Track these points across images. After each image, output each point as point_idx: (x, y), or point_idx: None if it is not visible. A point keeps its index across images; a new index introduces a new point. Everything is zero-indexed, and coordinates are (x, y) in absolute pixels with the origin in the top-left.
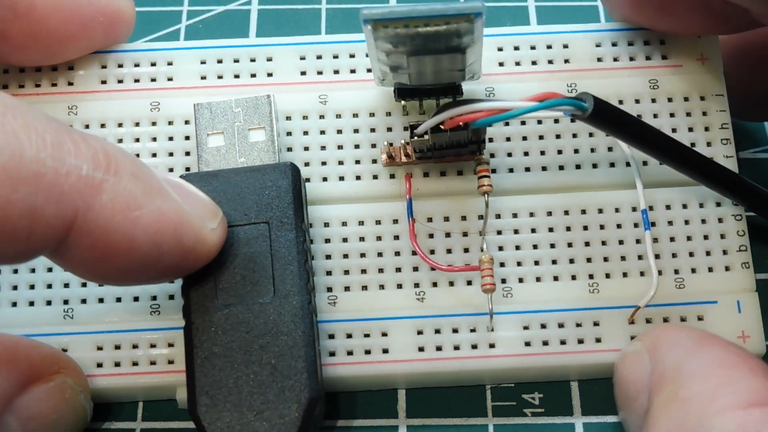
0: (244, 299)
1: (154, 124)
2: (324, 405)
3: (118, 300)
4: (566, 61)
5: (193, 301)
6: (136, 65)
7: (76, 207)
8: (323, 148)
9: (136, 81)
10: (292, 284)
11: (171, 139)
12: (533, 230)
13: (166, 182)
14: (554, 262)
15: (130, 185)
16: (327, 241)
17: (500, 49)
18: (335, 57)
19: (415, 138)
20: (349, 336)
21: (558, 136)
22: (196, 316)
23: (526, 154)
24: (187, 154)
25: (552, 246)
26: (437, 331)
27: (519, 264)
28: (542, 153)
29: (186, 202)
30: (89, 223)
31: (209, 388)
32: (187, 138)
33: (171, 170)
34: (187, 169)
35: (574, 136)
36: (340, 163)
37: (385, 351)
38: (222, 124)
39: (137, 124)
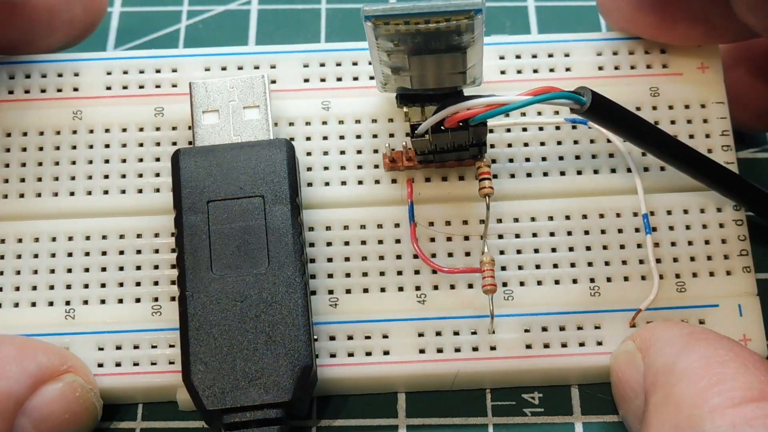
0: (239, 269)
1: (158, 129)
2: (317, 374)
3: (120, 301)
4: (567, 69)
5: (188, 271)
6: (141, 72)
7: None
8: (325, 153)
9: (141, 87)
10: (287, 255)
11: (174, 143)
12: (534, 234)
13: None
14: (555, 266)
15: None
16: (328, 244)
17: (502, 57)
18: (338, 64)
19: (416, 138)
20: (350, 338)
21: (559, 143)
22: (190, 285)
23: (527, 159)
24: None
25: (553, 250)
26: (438, 333)
27: (520, 267)
28: (543, 159)
29: None
30: None
31: (203, 356)
32: (190, 143)
33: None
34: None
35: (576, 142)
36: (342, 168)
37: (386, 353)
38: (217, 102)
39: (141, 129)
